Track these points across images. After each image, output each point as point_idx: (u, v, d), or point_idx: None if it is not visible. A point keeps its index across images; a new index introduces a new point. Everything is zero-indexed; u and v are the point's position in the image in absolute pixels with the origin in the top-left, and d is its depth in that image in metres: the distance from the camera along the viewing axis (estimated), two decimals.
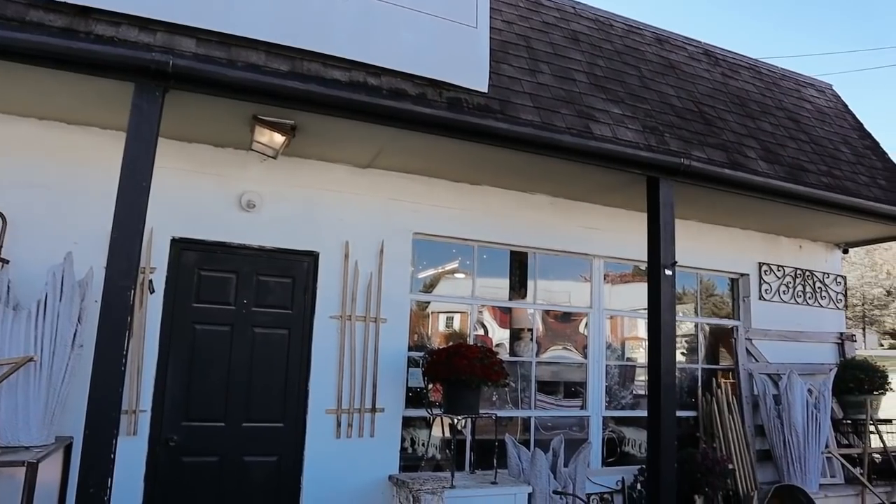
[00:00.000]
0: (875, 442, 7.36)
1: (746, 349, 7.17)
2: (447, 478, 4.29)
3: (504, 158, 5.11)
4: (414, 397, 5.65)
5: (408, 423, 5.60)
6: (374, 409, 5.20)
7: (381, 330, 5.31)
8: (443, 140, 4.69)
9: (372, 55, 4.42)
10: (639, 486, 5.92)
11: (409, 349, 5.58)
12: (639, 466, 6.10)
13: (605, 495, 6.03)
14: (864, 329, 44.25)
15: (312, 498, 4.93)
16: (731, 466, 5.99)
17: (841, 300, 8.14)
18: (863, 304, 45.29)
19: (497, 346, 6.09)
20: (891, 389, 7.06)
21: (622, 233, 6.49)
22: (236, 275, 5.11)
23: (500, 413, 5.50)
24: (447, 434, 5.79)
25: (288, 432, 5.03)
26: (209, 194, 4.98)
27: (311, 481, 4.95)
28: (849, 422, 7.43)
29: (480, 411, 5.06)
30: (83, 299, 4.09)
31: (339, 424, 5.08)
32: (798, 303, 7.71)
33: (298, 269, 5.28)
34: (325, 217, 5.30)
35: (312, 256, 5.26)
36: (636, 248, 6.17)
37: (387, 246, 5.43)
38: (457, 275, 6.17)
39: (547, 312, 6.56)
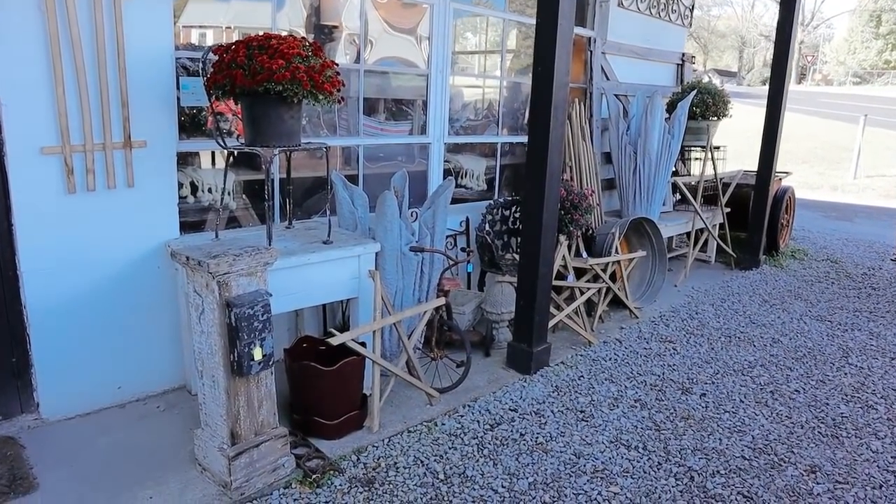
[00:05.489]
0: (697, 168, 7.19)
1: (601, 66, 6.11)
2: (264, 248, 2.72)
3: None
4: (190, 123, 3.77)
5: (184, 161, 3.77)
6: (128, 144, 3.25)
7: (126, 10, 3.13)
8: None
9: None
10: (487, 227, 4.93)
11: (178, 49, 3.53)
12: (486, 203, 5.06)
13: (448, 238, 4.97)
14: None
15: (40, 294, 3.09)
16: (595, 202, 5.21)
17: (688, 16, 7.30)
18: None
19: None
20: (730, 116, 6.64)
21: None
22: None
23: (330, 142, 3.82)
24: (249, 175, 4.10)
25: None
26: None
27: (35, 265, 3.06)
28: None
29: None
30: None
31: (70, 171, 3.09)
32: (652, 14, 6.68)
33: None
34: None
35: None
36: None
37: None
38: None
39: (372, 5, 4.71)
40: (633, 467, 3.11)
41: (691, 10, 7.33)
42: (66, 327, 3.19)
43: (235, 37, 4.20)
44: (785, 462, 3.19)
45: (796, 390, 3.98)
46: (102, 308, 3.29)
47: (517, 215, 5.14)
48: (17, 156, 2.95)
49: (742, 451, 3.28)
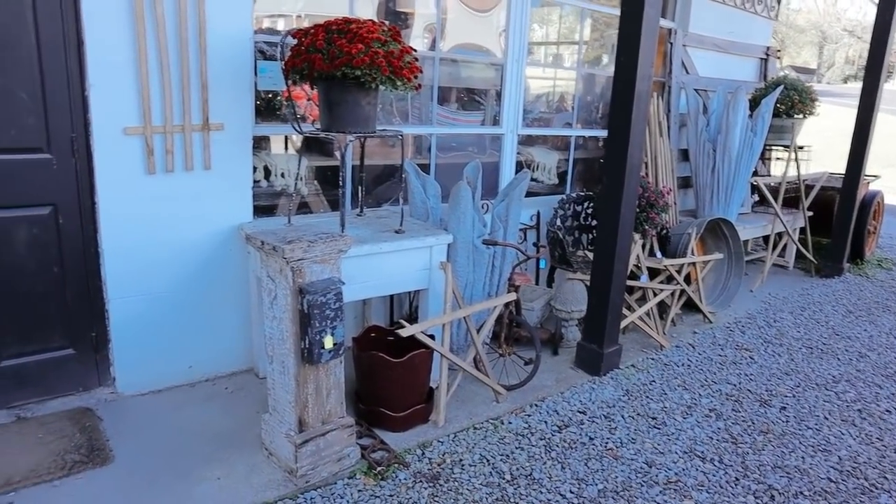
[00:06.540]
0: (777, 168, 6.85)
1: (681, 59, 5.86)
2: (338, 235, 2.68)
3: None
4: (265, 107, 3.78)
5: (258, 145, 3.79)
6: (206, 126, 3.28)
7: None
8: None
9: None
10: (558, 222, 4.80)
11: (256, 33, 3.53)
12: (559, 197, 4.93)
13: (518, 232, 4.85)
14: None
15: (118, 271, 3.16)
16: (671, 201, 5.00)
17: (774, 7, 6.93)
18: None
19: None
20: (817, 114, 6.27)
21: None
22: None
23: (404, 129, 3.75)
24: (321, 161, 4.10)
25: (63, 167, 3.02)
26: None
27: (115, 243, 3.13)
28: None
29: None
30: None
31: (150, 152, 3.14)
32: (736, 5, 6.36)
33: None
34: None
35: None
36: None
37: None
38: None
39: None
40: (709, 481, 2.95)
41: (778, 2, 6.96)
42: (142, 305, 3.25)
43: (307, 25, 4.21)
44: (877, 489, 2.97)
45: (887, 410, 3.72)
46: (176, 288, 3.34)
47: (589, 211, 4.99)
48: (102, 135, 3.01)
49: (828, 472, 3.07)
